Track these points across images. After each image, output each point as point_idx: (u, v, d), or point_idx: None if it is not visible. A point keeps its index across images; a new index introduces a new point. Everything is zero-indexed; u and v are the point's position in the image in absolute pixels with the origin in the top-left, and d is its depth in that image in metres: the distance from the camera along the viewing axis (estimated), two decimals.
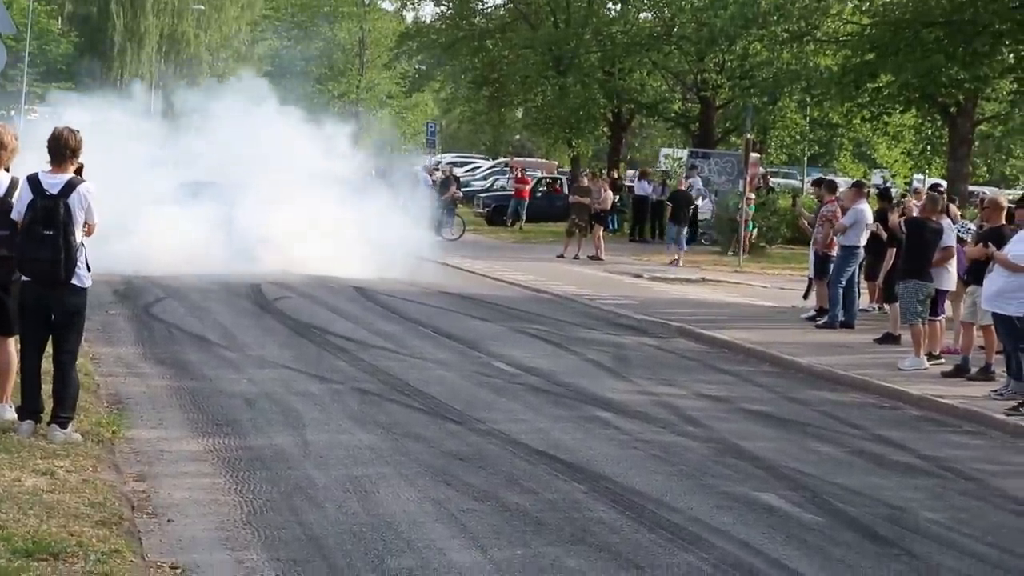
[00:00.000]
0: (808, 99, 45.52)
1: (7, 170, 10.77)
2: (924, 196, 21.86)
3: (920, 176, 51.41)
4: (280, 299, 22.08)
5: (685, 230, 35.57)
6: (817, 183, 23.77)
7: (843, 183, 30.15)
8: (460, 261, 29.65)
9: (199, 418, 12.57)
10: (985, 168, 51.81)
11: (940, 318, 18.14)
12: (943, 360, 17.50)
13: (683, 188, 37.41)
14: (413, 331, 19.57)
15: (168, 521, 9.05)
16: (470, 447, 11.86)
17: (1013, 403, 14.78)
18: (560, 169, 59.46)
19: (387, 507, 9.69)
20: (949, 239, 17.97)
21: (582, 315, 23.02)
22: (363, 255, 25.81)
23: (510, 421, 13.09)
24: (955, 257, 18.06)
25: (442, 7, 56.05)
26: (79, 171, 10.53)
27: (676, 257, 33.98)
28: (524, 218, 46.23)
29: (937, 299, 18.05)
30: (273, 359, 16.21)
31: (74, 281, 10.42)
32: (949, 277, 18.01)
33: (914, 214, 19.57)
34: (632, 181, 44.65)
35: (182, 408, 13.04)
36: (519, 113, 56.17)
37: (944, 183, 36.83)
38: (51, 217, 10.25)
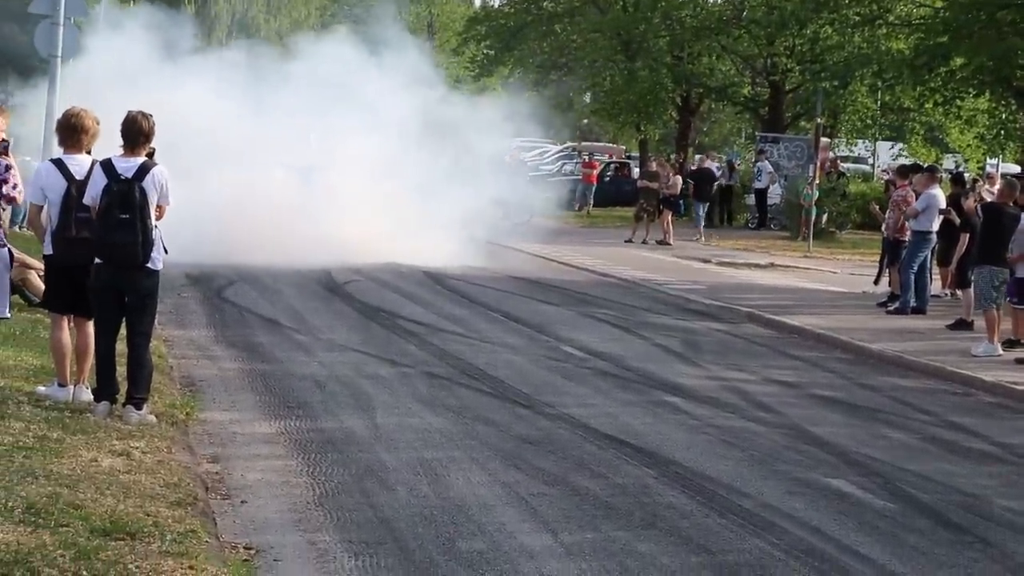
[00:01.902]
0: (879, 83, 45.09)
1: (88, 153, 10.90)
2: (998, 181, 21.64)
3: (993, 161, 50.82)
4: (349, 283, 22.19)
5: (703, 206, 37.90)
6: (914, 169, 23.31)
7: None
8: (528, 245, 29.66)
9: (271, 400, 12.67)
10: None
11: None
12: None
13: (705, 166, 38.91)
14: (482, 315, 19.61)
15: (241, 503, 9.12)
16: (540, 431, 11.88)
17: None
18: (628, 154, 59.32)
19: (457, 490, 9.72)
20: None
21: (650, 300, 22.97)
22: (434, 239, 25.81)
23: (579, 405, 13.10)
24: None
25: None
26: (151, 155, 10.63)
27: (699, 235, 35.17)
28: (592, 203, 46.17)
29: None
30: (343, 342, 16.30)
31: (148, 264, 10.52)
32: None
33: (987, 199, 19.37)
34: (695, 167, 44.45)
35: (254, 390, 13.15)
36: (587, 97, 56.06)
37: (1016, 169, 36.37)
38: (127, 201, 10.35)
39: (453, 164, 27.75)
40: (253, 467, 10.09)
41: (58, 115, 11.59)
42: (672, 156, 45.16)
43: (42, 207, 10.88)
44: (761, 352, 17.80)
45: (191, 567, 7.17)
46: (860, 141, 53.58)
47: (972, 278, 18.97)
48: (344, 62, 28.12)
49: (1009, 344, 17.67)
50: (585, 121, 63.85)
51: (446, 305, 20.49)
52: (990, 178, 29.09)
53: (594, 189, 47.21)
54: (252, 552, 8.03)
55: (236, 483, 9.61)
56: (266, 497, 9.30)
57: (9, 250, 12.84)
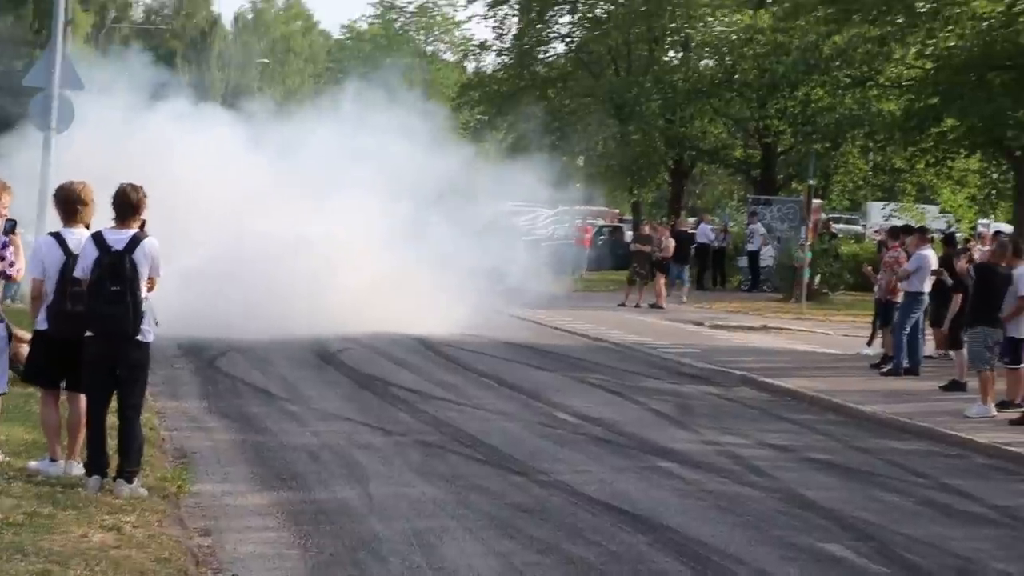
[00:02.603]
0: (871, 144, 45.39)
1: (87, 227, 10.94)
2: (989, 241, 21.72)
3: (985, 221, 51.02)
4: (342, 351, 22.17)
5: (686, 268, 38.37)
6: (905, 231, 23.30)
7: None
8: (521, 310, 29.69)
9: (263, 472, 12.62)
10: None
11: (1022, 366, 17.77)
12: None
13: (681, 228, 39.87)
14: (475, 381, 19.60)
15: None
16: (533, 499, 11.85)
17: None
18: (622, 217, 59.48)
19: (452, 561, 9.68)
20: (1022, 287, 17.63)
21: (644, 364, 22.97)
22: (424, 306, 25.76)
23: (573, 472, 13.07)
24: None
25: (503, 57, 56.37)
26: (142, 227, 10.66)
27: (681, 292, 36.19)
28: (585, 267, 46.26)
29: (1018, 347, 17.70)
30: (336, 411, 16.28)
31: (139, 336, 10.52)
32: None
33: (977, 259, 19.43)
34: (694, 229, 44.61)
35: (247, 462, 13.11)
36: (580, 161, 56.30)
37: (1009, 229, 36.52)
38: (117, 273, 10.38)
39: (448, 229, 27.72)
40: (245, 540, 10.05)
41: (52, 187, 11.61)
42: (664, 219, 45.31)
43: (43, 281, 10.90)
44: (755, 415, 17.79)
45: None
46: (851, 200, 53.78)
47: (965, 339, 18.98)
48: (340, 123, 28.15)
49: (1003, 405, 17.67)
50: (579, 185, 64.11)
51: (439, 372, 20.48)
52: (982, 238, 29.18)
53: (587, 253, 47.30)
54: None
55: (228, 556, 9.56)
56: (258, 570, 9.26)
57: (7, 325, 12.83)
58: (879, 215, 52.28)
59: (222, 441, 14.13)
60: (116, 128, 25.33)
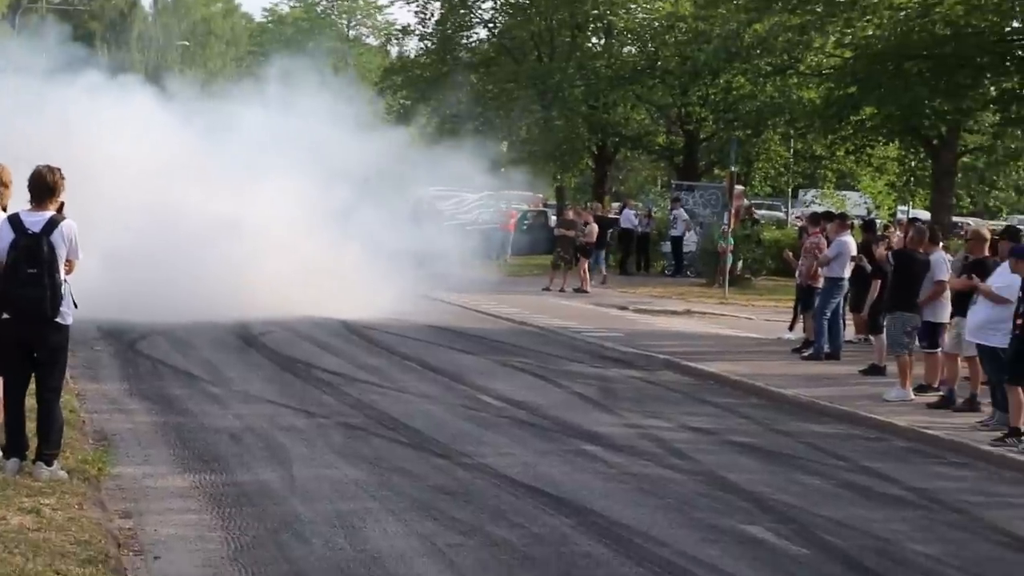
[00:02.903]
0: (792, 131, 45.78)
1: (4, 209, 10.77)
2: (904, 228, 21.98)
3: (904, 208, 51.63)
4: (264, 334, 22.03)
5: (602, 253, 38.43)
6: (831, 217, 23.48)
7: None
8: (445, 294, 29.66)
9: (185, 454, 12.53)
10: (969, 199, 52.03)
11: (939, 350, 18.04)
12: (942, 391, 17.46)
13: (604, 213, 40.20)
14: (398, 365, 19.56)
15: (155, 558, 9.01)
16: (456, 481, 11.84)
17: (999, 434, 14.81)
18: (547, 203, 59.53)
19: (374, 542, 9.66)
20: (941, 272, 17.88)
21: (568, 348, 23.03)
22: (348, 289, 25.65)
23: (496, 455, 13.08)
24: (948, 289, 17.87)
25: (426, 42, 56.20)
26: (60, 209, 10.53)
27: (602, 276, 36.16)
28: (510, 251, 46.26)
29: (937, 332, 17.96)
30: (258, 394, 16.19)
31: (57, 319, 10.40)
32: (945, 310, 17.92)
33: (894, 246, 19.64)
34: (617, 214, 44.74)
35: (168, 444, 13.00)
36: (504, 147, 56.31)
37: (926, 215, 37.00)
38: (34, 255, 10.25)
39: (373, 213, 27.61)
40: (167, 522, 9.97)
41: None
42: (589, 204, 45.41)
43: None
44: (678, 399, 17.89)
45: None
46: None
47: (884, 324, 19.19)
48: (266, 106, 27.91)
49: (921, 389, 17.89)
50: (502, 170, 64.09)
51: (362, 355, 20.41)
52: (901, 224, 29.50)
53: (512, 238, 47.30)
54: None
55: (149, 538, 9.49)
56: (180, 552, 9.20)
57: None
58: (809, 199, 52.74)
59: (143, 423, 14.01)
60: (32, 106, 24.89)
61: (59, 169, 10.59)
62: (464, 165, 31.87)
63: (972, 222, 46.52)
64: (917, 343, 18.05)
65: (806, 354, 21.89)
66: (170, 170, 25.28)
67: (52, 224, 10.37)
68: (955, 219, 45.35)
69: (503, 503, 11.08)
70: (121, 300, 21.45)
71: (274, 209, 25.64)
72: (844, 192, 49.85)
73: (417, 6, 55.43)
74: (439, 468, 12.37)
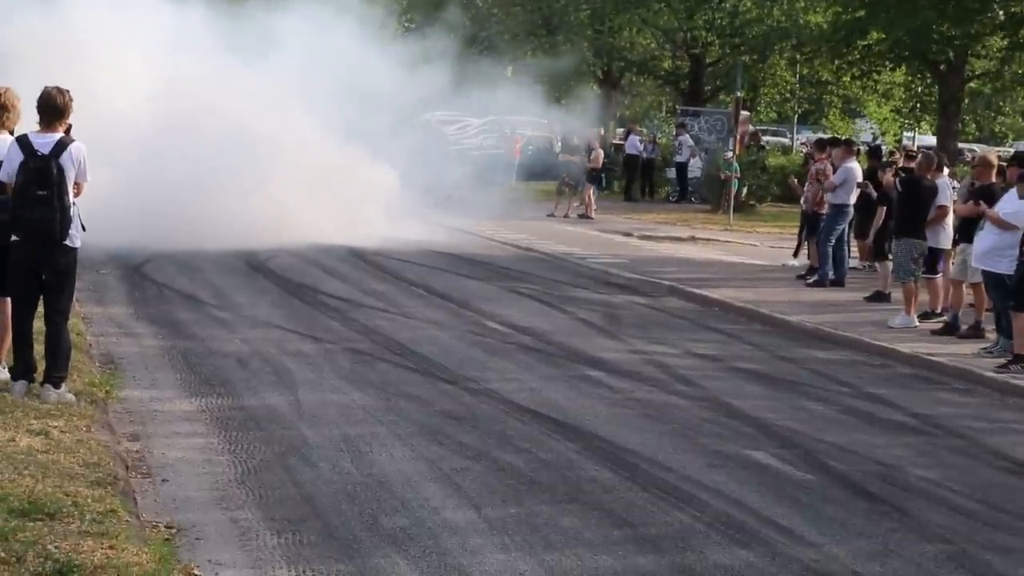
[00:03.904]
0: (798, 56, 45.51)
1: (12, 132, 10.74)
2: (916, 153, 21.89)
3: (910, 134, 51.41)
4: (271, 259, 22.03)
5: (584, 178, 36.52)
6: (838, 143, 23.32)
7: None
8: (450, 220, 29.62)
9: (192, 378, 12.59)
10: (975, 125, 51.80)
11: (939, 276, 18.10)
12: (946, 318, 17.48)
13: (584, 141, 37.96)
14: (405, 290, 19.59)
15: (162, 481, 9.08)
16: (463, 406, 11.90)
17: (1003, 360, 14.85)
18: (552, 128, 59.27)
19: (381, 466, 9.72)
20: (944, 198, 17.90)
21: (573, 274, 23.04)
22: (355, 215, 25.57)
23: (502, 380, 13.13)
24: (951, 216, 17.90)
25: None
26: (68, 131, 10.51)
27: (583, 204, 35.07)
28: (515, 177, 46.14)
29: (937, 257, 18.01)
30: (265, 319, 16.22)
31: (66, 241, 10.41)
32: (946, 235, 17.94)
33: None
34: (623, 140, 44.57)
35: (175, 368, 13.06)
36: (509, 71, 56.01)
37: (933, 143, 36.86)
38: (44, 177, 10.24)
39: (378, 136, 27.45)
40: (174, 445, 10.04)
41: None
42: (595, 130, 45.23)
43: None
44: (682, 325, 17.92)
45: (111, 547, 7.12)
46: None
47: (890, 250, 19.18)
48: (275, 22, 27.56)
49: (925, 316, 17.91)
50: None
51: (369, 281, 20.43)
52: (906, 151, 29.40)
53: (517, 163, 47.15)
54: (173, 531, 8.01)
55: (157, 462, 9.56)
56: (187, 475, 9.27)
57: None
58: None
59: (150, 347, 14.06)
60: (36, 22, 24.56)
61: (68, 91, 10.56)
62: (463, 89, 31.60)
63: (978, 148, 46.39)
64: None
65: (811, 280, 21.90)
66: (179, 89, 24.95)
67: (61, 146, 10.35)
68: (961, 145, 45.16)
69: (509, 428, 11.13)
70: (127, 224, 21.40)
71: (284, 129, 25.42)
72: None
73: None
74: (445, 393, 12.43)
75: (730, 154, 34.75)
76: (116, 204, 20.90)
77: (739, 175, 34.83)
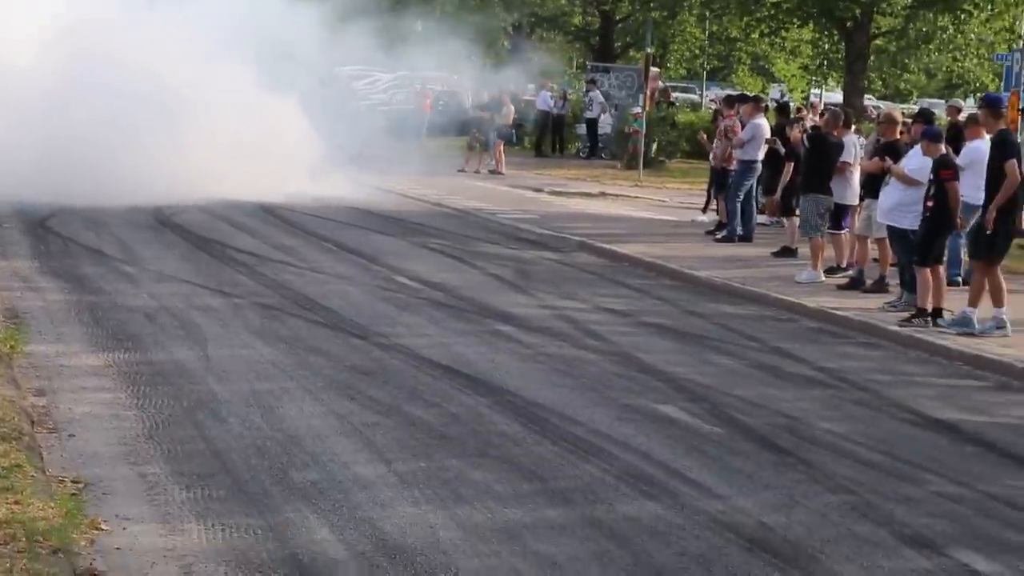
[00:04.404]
0: (707, 13, 45.69)
1: None
2: (822, 110, 22.12)
3: (817, 91, 51.85)
4: (179, 214, 21.81)
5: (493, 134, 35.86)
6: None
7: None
8: (360, 175, 29.47)
9: (98, 333, 12.47)
10: (881, 83, 52.35)
11: (844, 231, 18.30)
12: (851, 273, 17.69)
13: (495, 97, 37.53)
14: (314, 245, 19.49)
15: (69, 436, 9.00)
16: (373, 361, 11.89)
17: (906, 314, 15.07)
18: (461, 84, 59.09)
19: (291, 421, 9.70)
20: (848, 155, 18.05)
21: (483, 229, 23.04)
22: (264, 171, 25.32)
23: (413, 336, 13.12)
24: (857, 172, 18.08)
25: None
26: None
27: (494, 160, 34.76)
28: (425, 133, 45.99)
29: (843, 213, 18.21)
30: (172, 273, 16.08)
31: None
32: (852, 191, 18.13)
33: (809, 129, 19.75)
34: (534, 95, 44.53)
35: (81, 323, 12.92)
36: (419, 26, 55.73)
37: (842, 98, 37.20)
38: None
39: (286, 90, 27.21)
40: (81, 400, 9.95)
41: None
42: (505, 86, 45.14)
43: None
44: (592, 280, 17.99)
45: (16, 502, 7.06)
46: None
47: (797, 206, 19.35)
48: None
49: (831, 271, 18.12)
50: (417, 49, 63.44)
51: (278, 235, 20.31)
52: (813, 107, 29.65)
53: (427, 118, 46.99)
54: (81, 486, 7.94)
55: (63, 417, 9.47)
56: (94, 430, 9.19)
57: None
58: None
59: (55, 301, 13.90)
60: None
61: None
62: (372, 44, 31.36)
63: (883, 105, 46.90)
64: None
65: (719, 236, 22.06)
66: (84, 35, 24.47)
67: None
68: (867, 102, 45.64)
69: (420, 383, 11.14)
70: (30, 178, 21.08)
71: (193, 86, 25.08)
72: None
73: None
74: (356, 348, 12.40)
75: (638, 110, 34.89)
76: (18, 157, 20.60)
77: (644, 131, 35.00)
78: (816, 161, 18.08)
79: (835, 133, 18.16)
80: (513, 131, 38.42)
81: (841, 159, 17.92)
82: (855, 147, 18.34)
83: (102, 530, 7.22)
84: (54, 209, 20.87)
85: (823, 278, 17.79)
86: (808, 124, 20.79)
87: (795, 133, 20.22)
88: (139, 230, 19.82)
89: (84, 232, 19.09)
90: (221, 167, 24.43)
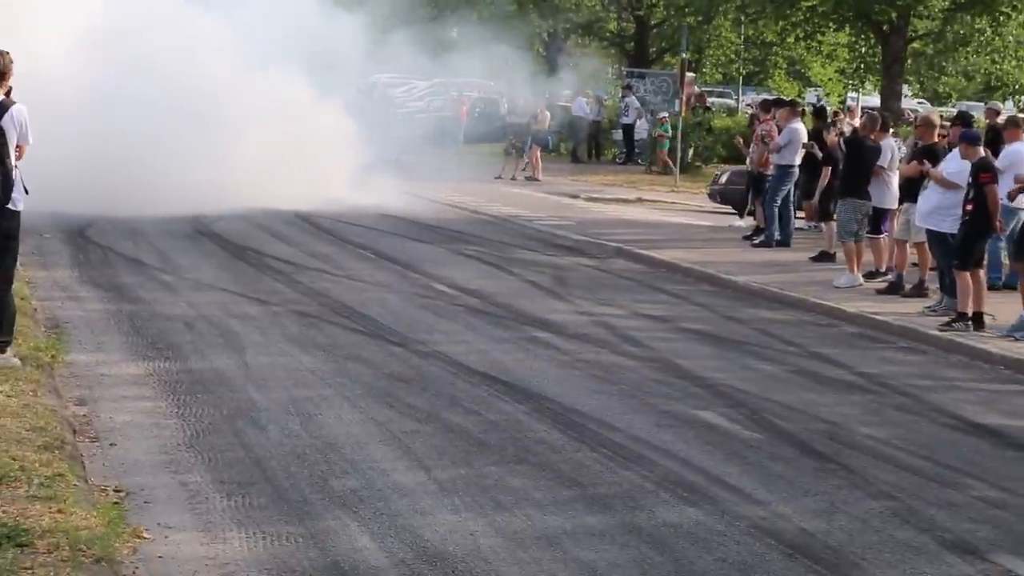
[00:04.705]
0: (743, 18, 45.55)
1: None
2: (858, 114, 22.03)
3: (854, 95, 51.61)
4: (217, 222, 21.88)
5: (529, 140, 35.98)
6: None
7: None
8: (397, 183, 29.51)
9: (138, 342, 12.52)
10: (918, 86, 52.07)
11: (883, 236, 18.23)
12: (890, 277, 17.61)
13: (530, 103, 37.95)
14: (352, 253, 19.53)
15: (110, 445, 9.04)
16: (412, 369, 11.89)
17: (946, 319, 14.98)
18: (498, 91, 59.18)
19: (330, 429, 9.71)
20: (883, 159, 17.95)
21: (520, 236, 23.04)
22: (302, 179, 25.34)
23: (451, 343, 13.13)
24: (896, 175, 17.97)
25: None
26: (8, 93, 10.38)
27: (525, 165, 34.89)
28: (462, 139, 46.03)
29: (882, 217, 18.11)
30: (210, 282, 16.14)
31: (8, 204, 10.30)
32: (891, 195, 18.02)
33: (847, 132, 19.69)
34: (569, 101, 44.50)
35: (121, 332, 12.98)
36: (455, 33, 55.80)
37: (879, 102, 37.01)
38: None
39: (325, 98, 27.24)
40: (121, 409, 9.99)
41: None
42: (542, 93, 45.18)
43: None
44: (630, 287, 17.96)
45: (60, 511, 7.09)
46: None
47: (835, 211, 19.28)
48: None
49: (870, 275, 18.04)
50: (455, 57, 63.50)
51: (315, 243, 20.36)
52: (850, 111, 29.55)
53: (464, 126, 47.03)
54: (122, 494, 7.97)
55: (104, 425, 9.51)
56: (136, 439, 9.23)
57: None
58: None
59: (95, 311, 13.97)
60: None
61: (8, 52, 10.43)
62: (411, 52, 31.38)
63: (921, 108, 46.66)
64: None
65: (757, 241, 21.99)
66: (120, 48, 24.53)
67: (2, 108, 10.22)
68: (905, 105, 45.41)
69: (458, 390, 11.14)
70: (70, 188, 21.12)
71: (232, 95, 25.13)
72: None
73: None
74: (394, 356, 12.41)
75: (664, 114, 34.89)
76: (57, 168, 20.64)
77: (669, 135, 35.05)
78: (853, 165, 18.01)
79: (872, 137, 18.08)
80: (549, 137, 38.40)
81: (878, 163, 17.83)
82: (893, 151, 18.24)
83: (144, 539, 7.25)
84: (93, 219, 20.95)
85: (862, 282, 17.71)
86: (845, 128, 20.71)
87: (831, 137, 20.16)
88: (177, 239, 19.90)
89: (123, 241, 19.18)
90: (259, 175, 24.46)
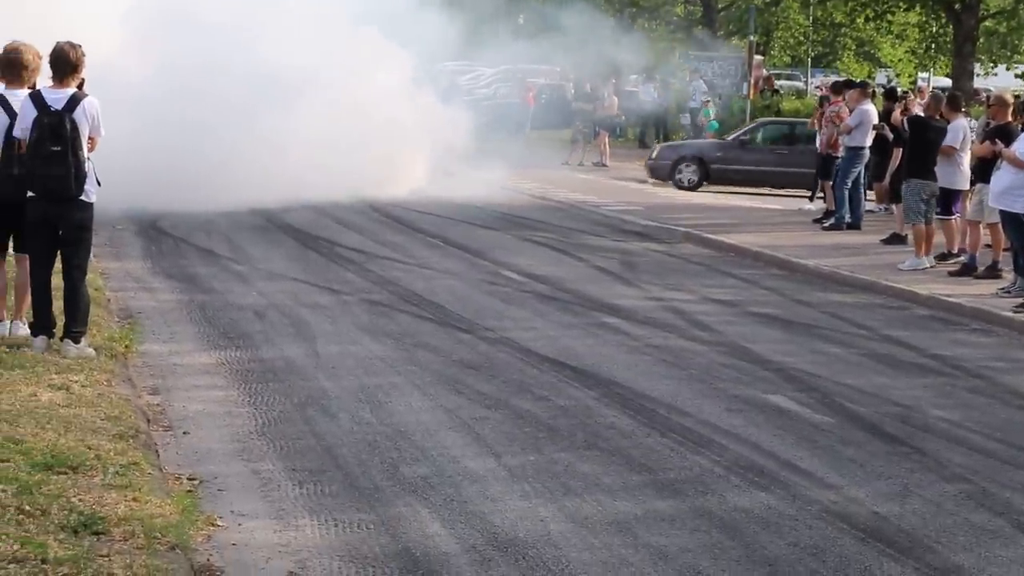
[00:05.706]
0: None
1: (33, 88, 10.71)
2: (927, 94, 21.80)
3: (925, 75, 51.13)
4: (287, 212, 22.00)
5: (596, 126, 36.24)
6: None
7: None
8: (464, 170, 29.55)
9: (210, 331, 12.63)
10: (991, 65, 51.42)
11: (955, 217, 18.04)
12: (963, 259, 17.43)
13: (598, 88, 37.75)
14: (420, 241, 19.59)
15: (184, 434, 9.13)
16: (480, 355, 11.92)
17: (1020, 300, 14.82)
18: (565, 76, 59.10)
19: (400, 416, 9.76)
20: (952, 139, 17.64)
21: (588, 222, 23.02)
22: (371, 165, 25.36)
23: (519, 329, 13.15)
24: (967, 156, 17.74)
25: None
26: (81, 86, 10.50)
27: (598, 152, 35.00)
28: (529, 126, 46.01)
29: (953, 198, 17.91)
30: (281, 271, 16.25)
31: (81, 196, 10.42)
32: (962, 176, 17.80)
33: (916, 112, 19.49)
34: (636, 87, 44.39)
35: (193, 321, 13.10)
36: (520, 19, 55.77)
37: (950, 83, 36.61)
38: (57, 133, 10.22)
39: (398, 87, 27.20)
40: (194, 398, 10.09)
41: None
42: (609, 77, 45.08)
43: None
44: (698, 271, 17.91)
45: (135, 499, 7.17)
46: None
47: (902, 191, 19.11)
48: None
49: (942, 257, 17.87)
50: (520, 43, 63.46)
51: (384, 232, 20.44)
52: (920, 91, 29.26)
53: (531, 112, 47.01)
54: (196, 483, 8.05)
55: (178, 414, 9.61)
56: (208, 428, 9.31)
57: None
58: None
59: (167, 301, 14.10)
60: None
61: (80, 45, 10.54)
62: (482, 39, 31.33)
63: (994, 87, 46.14)
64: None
65: (827, 224, 21.86)
66: (189, 38, 24.59)
67: (74, 101, 10.33)
68: (977, 85, 44.90)
69: (527, 376, 11.16)
70: (142, 180, 21.29)
71: (304, 84, 25.10)
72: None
73: None
74: (463, 343, 12.45)
75: (708, 99, 34.87)
76: (130, 161, 20.79)
77: (710, 118, 35.13)
78: (917, 146, 17.86)
79: (938, 117, 17.88)
80: (617, 122, 38.32)
81: (945, 143, 17.59)
82: (965, 131, 18.01)
83: (218, 526, 7.32)
84: (166, 211, 21.10)
85: (927, 264, 17.54)
86: (912, 107, 20.49)
87: (896, 116, 19.96)
88: (249, 230, 20.04)
89: (195, 232, 19.34)
90: (330, 165, 24.46)
